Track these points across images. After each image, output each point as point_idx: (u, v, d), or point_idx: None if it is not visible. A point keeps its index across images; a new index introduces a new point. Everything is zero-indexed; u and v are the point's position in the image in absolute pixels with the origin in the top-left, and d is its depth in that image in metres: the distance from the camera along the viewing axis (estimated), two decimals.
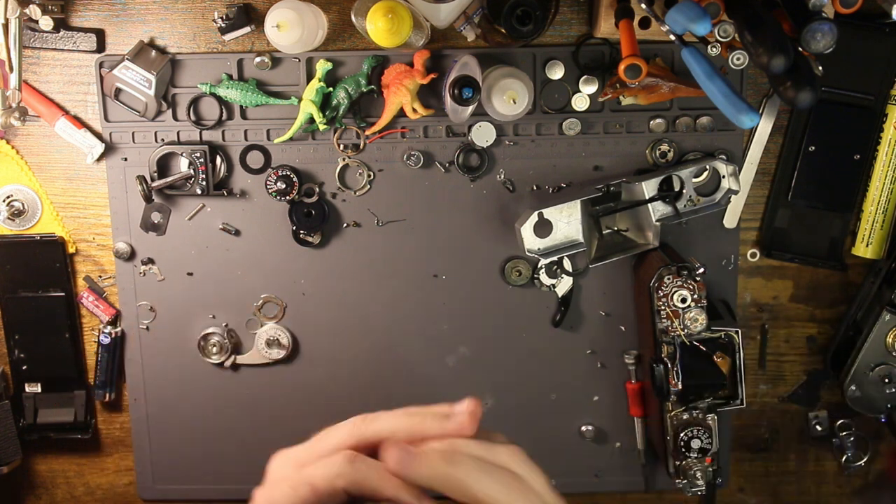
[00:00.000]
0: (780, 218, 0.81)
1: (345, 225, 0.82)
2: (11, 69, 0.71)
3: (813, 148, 0.78)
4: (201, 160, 0.79)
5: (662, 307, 0.75)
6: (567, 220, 0.77)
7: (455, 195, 0.81)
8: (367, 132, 0.79)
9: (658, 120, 0.79)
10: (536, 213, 0.76)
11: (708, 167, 0.78)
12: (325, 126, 0.78)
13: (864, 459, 0.86)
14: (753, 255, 0.83)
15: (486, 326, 0.83)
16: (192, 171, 0.79)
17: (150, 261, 0.82)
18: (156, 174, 0.79)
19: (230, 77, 0.78)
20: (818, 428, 0.86)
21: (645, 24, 0.73)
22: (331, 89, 0.77)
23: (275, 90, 0.79)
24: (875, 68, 0.76)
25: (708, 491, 0.79)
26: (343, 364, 0.84)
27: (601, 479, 0.86)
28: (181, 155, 0.79)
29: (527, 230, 0.76)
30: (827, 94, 0.77)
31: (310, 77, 0.78)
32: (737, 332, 0.76)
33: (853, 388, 0.80)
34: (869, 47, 0.76)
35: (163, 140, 0.80)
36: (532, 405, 0.85)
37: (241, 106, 0.79)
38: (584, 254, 0.79)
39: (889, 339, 0.78)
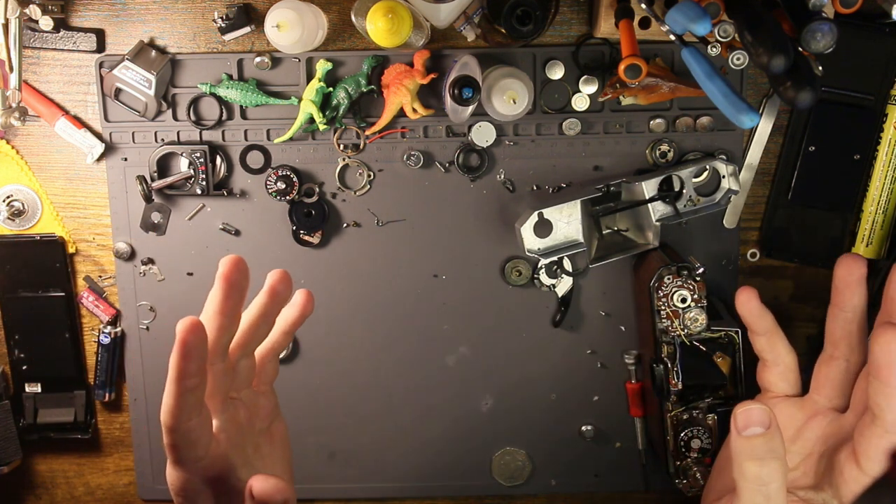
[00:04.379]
0: (779, 218, 0.81)
1: (345, 225, 0.82)
2: (11, 69, 0.71)
3: (813, 148, 0.78)
4: (201, 160, 0.79)
5: (662, 307, 0.75)
6: (567, 220, 0.77)
7: (455, 195, 0.81)
8: (367, 132, 0.79)
9: (658, 120, 0.79)
10: (536, 213, 0.76)
11: (708, 167, 0.78)
12: (325, 126, 0.78)
13: None
14: (753, 255, 0.83)
15: (486, 326, 0.83)
16: (192, 171, 0.79)
17: (150, 261, 0.82)
18: (156, 174, 0.79)
19: (230, 77, 0.78)
20: None
21: (645, 24, 0.73)
22: (331, 89, 0.77)
23: (275, 90, 0.79)
24: (875, 68, 0.76)
25: None
26: (343, 364, 0.84)
27: (601, 479, 0.86)
28: (181, 155, 0.79)
29: (527, 230, 0.76)
30: (827, 94, 0.77)
31: (310, 77, 0.78)
32: (737, 332, 0.76)
33: None
34: (869, 47, 0.76)
35: (163, 140, 0.80)
36: (532, 405, 0.85)
37: (241, 106, 0.79)
38: (584, 254, 0.79)
39: None
